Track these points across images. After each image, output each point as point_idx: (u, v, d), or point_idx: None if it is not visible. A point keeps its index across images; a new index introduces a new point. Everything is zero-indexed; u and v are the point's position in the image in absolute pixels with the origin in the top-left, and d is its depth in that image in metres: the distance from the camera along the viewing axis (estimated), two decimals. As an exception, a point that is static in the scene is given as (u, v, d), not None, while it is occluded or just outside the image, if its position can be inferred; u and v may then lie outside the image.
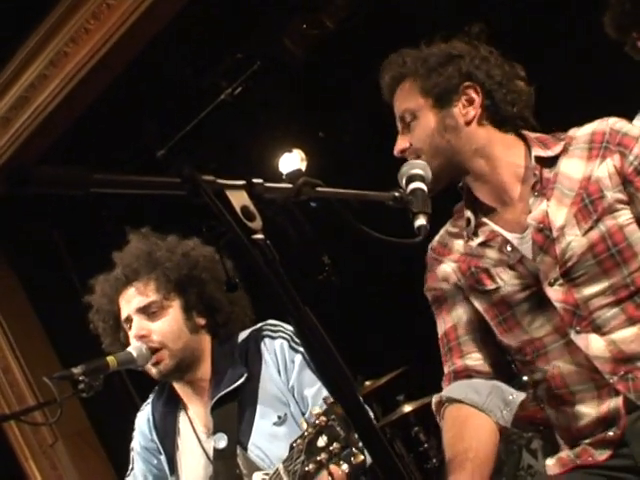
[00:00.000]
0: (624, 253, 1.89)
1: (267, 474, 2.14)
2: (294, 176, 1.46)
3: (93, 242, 5.21)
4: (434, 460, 4.42)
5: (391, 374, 4.43)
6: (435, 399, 2.08)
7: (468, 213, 2.05)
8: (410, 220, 1.93)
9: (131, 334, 2.45)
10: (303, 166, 5.71)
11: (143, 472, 2.63)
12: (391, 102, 2.12)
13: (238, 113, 5.30)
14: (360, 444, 1.94)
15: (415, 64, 2.06)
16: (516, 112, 2.05)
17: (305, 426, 1.99)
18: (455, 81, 2.02)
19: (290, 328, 2.45)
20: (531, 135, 2.06)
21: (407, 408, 4.41)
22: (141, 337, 2.42)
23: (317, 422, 1.95)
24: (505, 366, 2.10)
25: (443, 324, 2.11)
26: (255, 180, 1.35)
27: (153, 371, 2.44)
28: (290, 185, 1.43)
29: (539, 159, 2.00)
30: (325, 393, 2.32)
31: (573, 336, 1.90)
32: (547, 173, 1.99)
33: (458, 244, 2.09)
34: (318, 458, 1.94)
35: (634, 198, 1.92)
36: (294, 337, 2.42)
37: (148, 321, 2.44)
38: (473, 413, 1.99)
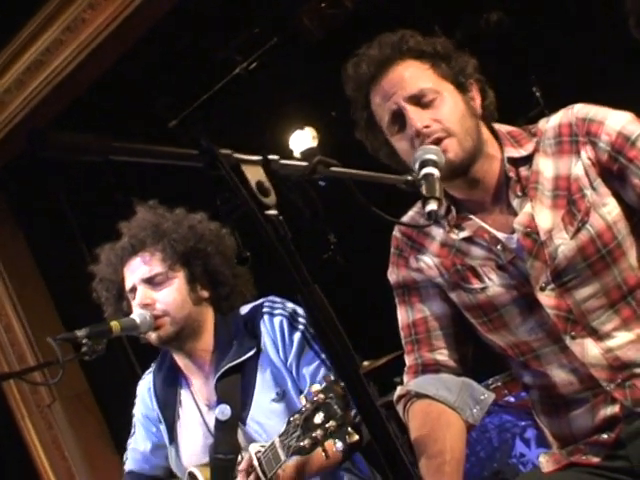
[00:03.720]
0: (614, 253, 1.85)
1: (263, 446, 2.16)
2: (309, 154, 1.47)
3: (102, 210, 5.23)
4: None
5: (390, 355, 4.45)
6: (401, 391, 2.01)
7: (446, 201, 1.94)
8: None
9: (134, 303, 2.48)
10: (314, 144, 5.72)
11: (143, 438, 2.67)
12: (378, 73, 1.94)
13: (252, 88, 5.30)
14: (356, 424, 1.97)
15: (426, 47, 1.95)
16: (492, 108, 2.00)
17: (303, 402, 2.00)
18: (469, 71, 1.97)
19: (291, 306, 2.47)
20: (502, 130, 1.98)
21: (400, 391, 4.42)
22: (145, 305, 2.44)
23: (315, 399, 1.97)
24: (472, 363, 2.04)
25: (410, 313, 2.04)
26: (271, 156, 1.36)
27: (153, 336, 2.46)
28: (305, 163, 1.44)
29: (511, 160, 1.92)
30: (323, 372, 2.35)
31: (568, 342, 1.85)
32: (524, 171, 1.92)
33: (438, 233, 2.00)
34: (314, 434, 1.96)
35: (619, 183, 1.85)
36: (294, 315, 2.44)
37: (152, 291, 2.46)
38: (443, 411, 1.92)
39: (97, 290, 2.61)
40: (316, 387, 1.99)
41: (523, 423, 3.79)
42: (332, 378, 1.99)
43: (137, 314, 2.44)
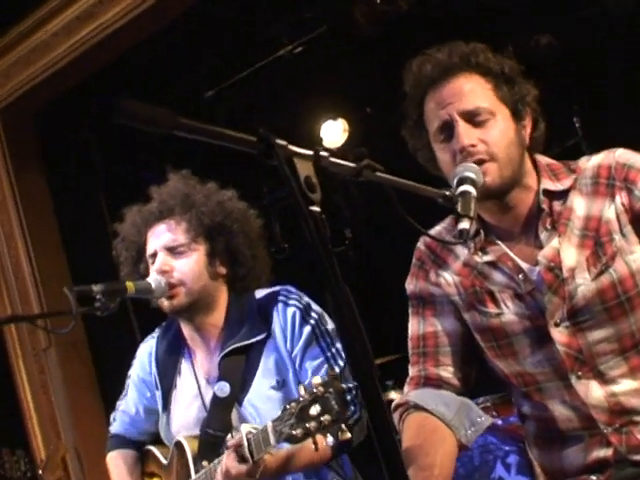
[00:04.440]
0: (633, 301, 1.86)
1: (255, 428, 2.18)
2: (358, 155, 1.49)
3: (129, 172, 5.27)
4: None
5: (386, 358, 4.48)
6: (399, 400, 2.01)
7: (476, 223, 1.94)
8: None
9: (153, 268, 2.50)
10: (344, 137, 5.74)
11: (135, 401, 2.69)
12: (440, 78, 1.95)
13: (292, 72, 5.31)
14: (350, 423, 1.99)
15: (494, 66, 1.95)
16: (540, 140, 2.01)
17: (302, 392, 2.02)
18: (528, 99, 1.97)
19: (306, 299, 2.48)
20: (543, 162, 2.00)
21: (393, 395, 4.44)
22: (163, 272, 2.46)
23: (315, 391, 1.98)
24: (472, 383, 2.06)
25: (422, 325, 2.06)
26: (322, 153, 1.38)
27: (165, 304, 2.48)
28: (353, 164, 1.46)
29: (547, 192, 1.94)
30: (325, 369, 2.36)
31: (574, 381, 1.87)
32: (557, 206, 1.94)
33: (462, 252, 2.02)
34: (307, 425, 1.97)
35: None
36: (307, 308, 2.45)
37: (172, 259, 2.48)
38: (439, 426, 1.93)
39: (117, 248, 2.63)
40: (317, 380, 2.01)
41: (507, 448, 3.80)
42: (334, 374, 2.01)
43: (153, 279, 2.47)
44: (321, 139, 5.67)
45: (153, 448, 2.65)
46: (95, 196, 5.28)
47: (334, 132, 5.75)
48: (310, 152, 1.36)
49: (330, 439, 1.98)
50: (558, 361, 1.89)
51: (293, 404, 2.03)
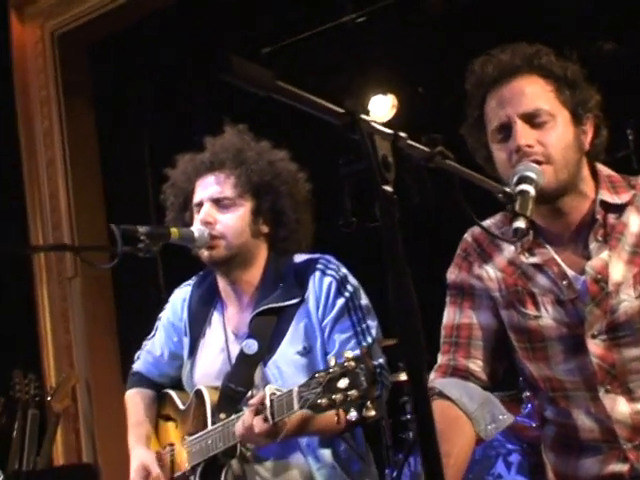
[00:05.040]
0: None
1: (279, 390, 2.20)
2: (432, 141, 1.49)
3: (179, 120, 5.27)
4: (410, 433, 4.51)
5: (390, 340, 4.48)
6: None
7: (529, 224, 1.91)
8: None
9: (197, 217, 2.51)
10: (392, 113, 5.72)
11: (161, 343, 2.72)
12: (501, 78, 1.95)
13: (352, 40, 5.28)
14: (377, 401, 2.01)
15: (557, 68, 1.95)
16: (601, 147, 2.00)
17: (332, 363, 2.03)
18: (590, 105, 1.96)
19: (344, 271, 2.49)
20: (603, 172, 2.00)
21: (403, 376, 4.47)
22: (206, 223, 2.48)
23: (346, 364, 1.99)
24: (499, 380, 2.07)
25: (458, 315, 2.07)
26: (401, 134, 1.39)
27: (205, 254, 2.50)
28: (426, 148, 1.47)
29: (604, 203, 1.94)
30: (353, 343, 2.37)
31: (601, 394, 1.89)
32: (612, 219, 1.93)
33: (508, 249, 2.02)
34: (333, 397, 1.99)
35: None
36: (344, 281, 2.46)
37: (217, 211, 2.50)
38: (460, 417, 1.95)
39: (166, 193, 2.65)
40: (349, 354, 2.02)
41: (510, 446, 3.82)
42: (367, 351, 2.02)
43: (197, 228, 2.49)
44: (368, 112, 5.65)
45: (172, 392, 2.69)
46: (139, 139, 5.30)
47: (382, 106, 5.73)
48: (390, 131, 1.36)
49: (353, 414, 1.99)
50: (590, 372, 1.90)
51: (322, 374, 2.04)
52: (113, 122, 5.30)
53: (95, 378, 4.91)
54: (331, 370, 2.02)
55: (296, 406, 2.10)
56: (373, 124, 1.32)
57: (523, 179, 1.82)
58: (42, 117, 5.14)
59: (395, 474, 4.24)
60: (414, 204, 1.37)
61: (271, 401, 2.17)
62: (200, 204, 2.53)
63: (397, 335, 1.35)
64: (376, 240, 1.28)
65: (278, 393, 2.18)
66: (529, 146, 1.88)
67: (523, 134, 1.89)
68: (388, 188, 1.31)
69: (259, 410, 2.19)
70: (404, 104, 5.66)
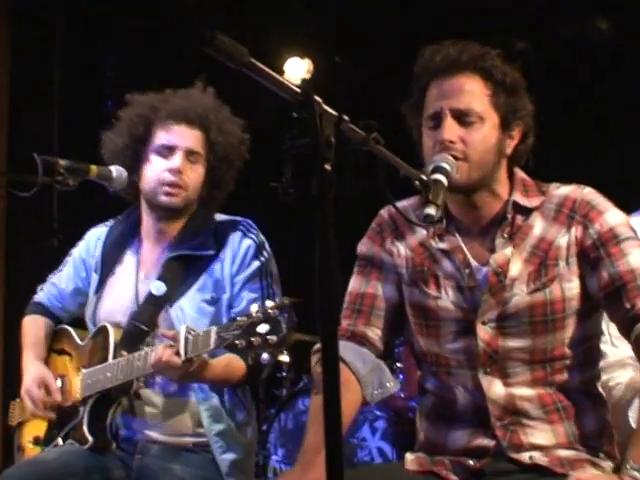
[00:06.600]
0: (556, 323, 2.04)
1: (194, 330, 2.28)
2: (368, 126, 1.60)
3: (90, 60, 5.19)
4: (284, 391, 4.59)
5: (296, 299, 4.58)
6: (320, 346, 2.12)
7: (441, 212, 2.03)
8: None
9: (161, 160, 2.55)
10: (305, 77, 5.81)
11: (68, 278, 2.77)
12: (446, 71, 2.06)
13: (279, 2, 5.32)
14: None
15: (500, 74, 2.06)
16: (523, 154, 2.14)
17: (254, 309, 2.14)
18: (522, 114, 2.09)
19: (263, 238, 2.61)
20: (519, 176, 2.14)
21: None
22: (178, 172, 2.52)
23: (268, 311, 2.11)
24: (391, 350, 2.22)
25: (364, 285, 2.19)
26: (344, 116, 1.49)
27: (164, 199, 2.54)
28: (363, 133, 1.58)
29: (516, 205, 2.09)
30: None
31: (480, 375, 2.06)
32: (520, 220, 2.08)
33: (421, 231, 2.16)
34: (251, 339, 2.11)
35: (590, 270, 2.03)
36: (262, 246, 2.59)
37: (187, 164, 2.55)
38: (350, 380, 2.08)
39: (115, 127, 2.64)
40: (272, 303, 2.14)
41: (378, 413, 4.00)
42: (290, 303, 2.13)
43: (115, 168, 2.53)
44: (283, 72, 5.73)
45: (69, 328, 2.75)
46: (50, 73, 5.16)
47: (297, 70, 5.83)
48: (335, 113, 1.46)
49: (266, 356, 2.11)
50: (474, 354, 2.07)
51: (243, 318, 2.14)
52: (26, 55, 5.14)
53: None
54: (253, 315, 2.13)
55: (213, 344, 2.19)
56: (323, 105, 1.42)
57: (437, 169, 1.96)
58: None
59: (265, 428, 4.37)
60: (347, 183, 1.47)
61: (186, 338, 2.26)
62: (171, 149, 2.55)
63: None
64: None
65: (194, 332, 2.27)
66: (451, 142, 2.02)
67: (449, 129, 2.02)
68: (327, 166, 1.41)
69: (172, 345, 2.29)
70: (318, 71, 5.77)
